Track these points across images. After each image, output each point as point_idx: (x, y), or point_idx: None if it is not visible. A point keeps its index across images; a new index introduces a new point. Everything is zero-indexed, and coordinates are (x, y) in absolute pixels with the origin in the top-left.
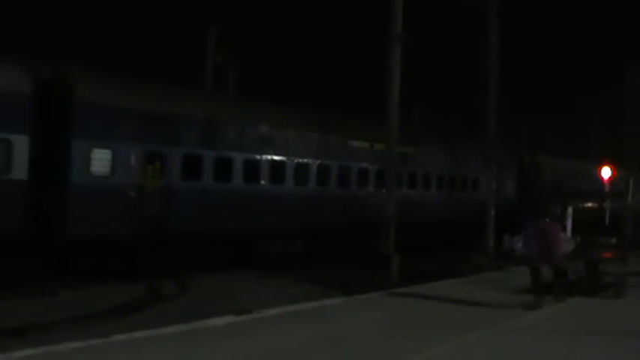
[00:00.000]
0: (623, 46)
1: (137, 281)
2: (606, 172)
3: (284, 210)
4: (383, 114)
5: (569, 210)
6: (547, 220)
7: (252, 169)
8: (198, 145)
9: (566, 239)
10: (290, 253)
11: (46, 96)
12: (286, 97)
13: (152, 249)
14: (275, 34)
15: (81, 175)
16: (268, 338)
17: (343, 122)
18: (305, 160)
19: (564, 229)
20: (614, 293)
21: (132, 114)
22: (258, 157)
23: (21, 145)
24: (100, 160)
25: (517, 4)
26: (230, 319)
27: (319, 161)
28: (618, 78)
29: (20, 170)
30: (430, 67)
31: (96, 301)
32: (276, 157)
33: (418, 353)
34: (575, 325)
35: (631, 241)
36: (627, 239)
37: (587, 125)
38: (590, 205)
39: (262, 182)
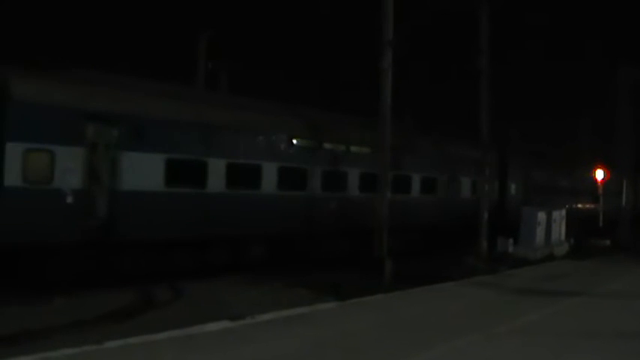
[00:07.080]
0: (613, 48)
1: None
2: (600, 174)
3: None
4: (374, 116)
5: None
6: None
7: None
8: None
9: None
10: None
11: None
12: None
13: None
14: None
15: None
16: (264, 343)
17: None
18: None
19: None
20: None
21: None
22: None
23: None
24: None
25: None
26: (225, 324)
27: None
28: (609, 79)
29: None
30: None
31: (89, 308)
32: None
33: (412, 356)
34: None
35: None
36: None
37: (576, 127)
38: (583, 205)
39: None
